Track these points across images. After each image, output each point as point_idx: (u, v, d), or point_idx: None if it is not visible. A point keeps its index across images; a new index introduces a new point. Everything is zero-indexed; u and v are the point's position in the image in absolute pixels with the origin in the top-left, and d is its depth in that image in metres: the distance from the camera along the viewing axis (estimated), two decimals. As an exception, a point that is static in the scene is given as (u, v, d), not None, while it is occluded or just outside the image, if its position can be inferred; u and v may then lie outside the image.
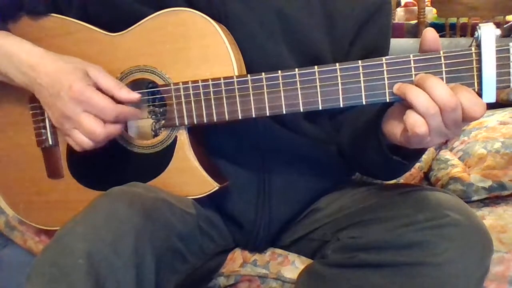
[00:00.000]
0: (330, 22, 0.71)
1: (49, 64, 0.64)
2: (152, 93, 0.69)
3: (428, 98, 0.50)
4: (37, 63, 0.64)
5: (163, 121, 0.69)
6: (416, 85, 0.52)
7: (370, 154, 0.65)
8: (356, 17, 0.72)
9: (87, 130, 0.62)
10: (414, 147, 0.57)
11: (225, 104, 0.62)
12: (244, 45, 0.65)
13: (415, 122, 0.50)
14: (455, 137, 0.90)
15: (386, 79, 0.55)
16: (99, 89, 0.63)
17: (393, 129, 0.57)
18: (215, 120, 0.63)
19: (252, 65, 0.65)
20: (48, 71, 0.64)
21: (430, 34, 0.54)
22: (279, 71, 0.59)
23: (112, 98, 0.63)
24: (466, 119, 0.51)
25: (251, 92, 0.60)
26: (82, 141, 0.63)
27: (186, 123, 0.65)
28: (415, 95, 0.51)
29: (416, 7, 2.38)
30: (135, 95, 0.64)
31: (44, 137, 0.73)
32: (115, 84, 0.64)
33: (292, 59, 0.69)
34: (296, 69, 0.58)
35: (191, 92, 0.63)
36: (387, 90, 0.55)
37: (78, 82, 0.62)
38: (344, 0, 0.71)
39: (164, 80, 0.66)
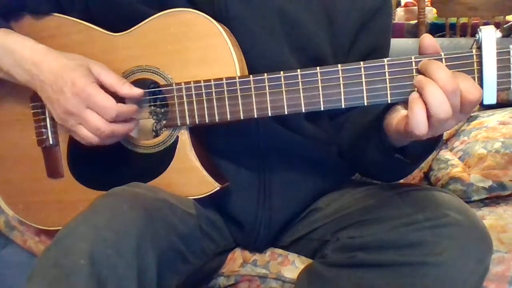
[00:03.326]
0: (331, 22, 0.71)
1: (52, 61, 0.64)
2: (153, 93, 0.69)
3: (447, 102, 0.50)
4: (40, 60, 0.64)
5: (164, 121, 0.69)
6: (420, 70, 0.53)
7: (371, 153, 0.65)
8: (357, 17, 0.72)
9: (92, 126, 0.62)
10: (409, 141, 0.57)
11: (227, 105, 0.62)
12: (245, 45, 0.65)
13: (419, 120, 0.50)
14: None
15: (387, 80, 0.55)
16: (102, 85, 0.63)
17: (391, 127, 0.57)
18: (216, 120, 0.63)
19: (253, 64, 0.65)
20: (51, 68, 0.64)
21: (427, 40, 0.54)
22: (281, 72, 0.59)
23: (115, 94, 0.64)
24: (464, 104, 0.51)
25: (253, 92, 0.60)
26: (87, 136, 0.63)
27: (187, 123, 0.65)
28: (432, 92, 0.50)
29: (416, 7, 2.38)
30: (137, 91, 0.65)
31: (44, 137, 0.73)
32: (117, 80, 0.64)
33: (293, 59, 0.69)
34: (298, 70, 0.58)
35: (193, 92, 0.63)
36: (388, 92, 0.55)
37: (81, 79, 0.62)
38: (344, 0, 0.71)
39: (166, 80, 0.66)
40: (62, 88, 0.62)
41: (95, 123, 0.62)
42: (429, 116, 0.50)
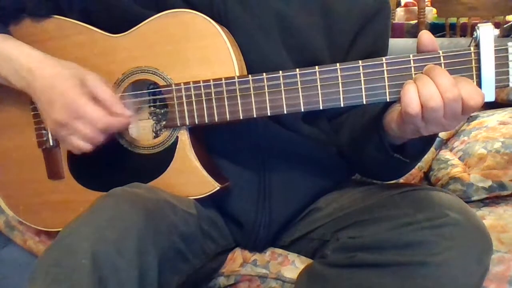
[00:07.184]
0: (329, 24, 0.71)
1: (47, 68, 0.64)
2: (153, 94, 0.69)
3: (436, 89, 0.51)
4: (36, 67, 0.65)
5: (164, 122, 0.69)
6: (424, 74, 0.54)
7: (371, 152, 0.65)
8: (355, 20, 0.72)
9: (85, 136, 0.63)
10: (408, 136, 0.57)
11: (226, 104, 0.62)
12: (243, 46, 0.65)
13: (411, 101, 0.51)
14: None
15: (386, 79, 0.56)
16: (96, 98, 0.63)
17: (391, 119, 0.57)
18: (216, 120, 0.63)
19: (250, 66, 0.65)
20: (45, 75, 0.64)
21: (425, 36, 0.54)
22: (280, 71, 0.59)
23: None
24: (465, 109, 0.52)
25: (252, 92, 0.60)
26: (80, 146, 0.64)
27: (187, 123, 0.65)
28: (424, 82, 0.52)
29: (416, 7, 2.39)
30: (127, 113, 0.64)
31: (45, 138, 0.73)
32: (111, 98, 0.64)
33: (290, 61, 0.69)
34: (297, 69, 0.59)
35: (192, 92, 0.64)
36: (387, 90, 0.56)
37: (72, 89, 0.62)
38: (342, 3, 0.72)
39: (165, 81, 0.66)
40: (52, 97, 0.63)
41: (87, 133, 0.62)
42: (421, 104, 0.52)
